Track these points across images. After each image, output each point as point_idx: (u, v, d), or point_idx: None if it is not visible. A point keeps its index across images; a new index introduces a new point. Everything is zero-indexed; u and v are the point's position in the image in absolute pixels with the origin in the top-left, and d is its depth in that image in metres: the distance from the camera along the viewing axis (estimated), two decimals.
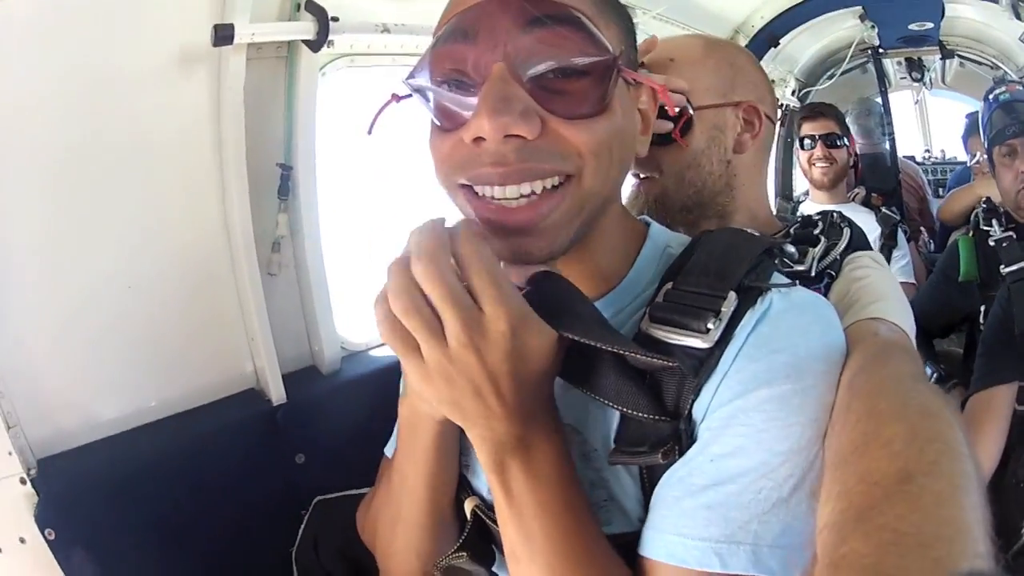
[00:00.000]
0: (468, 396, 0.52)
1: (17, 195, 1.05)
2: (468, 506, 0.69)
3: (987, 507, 0.44)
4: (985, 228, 1.69)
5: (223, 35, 1.13)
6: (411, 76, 0.60)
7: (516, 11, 0.54)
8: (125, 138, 1.14)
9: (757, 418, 0.53)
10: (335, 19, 1.24)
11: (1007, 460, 1.43)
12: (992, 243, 1.64)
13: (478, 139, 0.54)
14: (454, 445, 0.68)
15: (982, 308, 1.70)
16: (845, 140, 2.43)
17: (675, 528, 0.53)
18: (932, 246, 3.02)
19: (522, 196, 0.55)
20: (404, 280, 0.50)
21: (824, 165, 2.41)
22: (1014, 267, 1.56)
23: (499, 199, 0.56)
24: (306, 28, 1.24)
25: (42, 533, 1.02)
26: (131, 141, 1.15)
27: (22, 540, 1.02)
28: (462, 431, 0.62)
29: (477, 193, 0.57)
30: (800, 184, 3.28)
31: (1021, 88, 1.81)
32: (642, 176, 0.98)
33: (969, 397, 1.51)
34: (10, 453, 1.02)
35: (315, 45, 1.26)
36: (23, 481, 1.03)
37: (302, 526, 1.20)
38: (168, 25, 1.14)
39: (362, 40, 1.25)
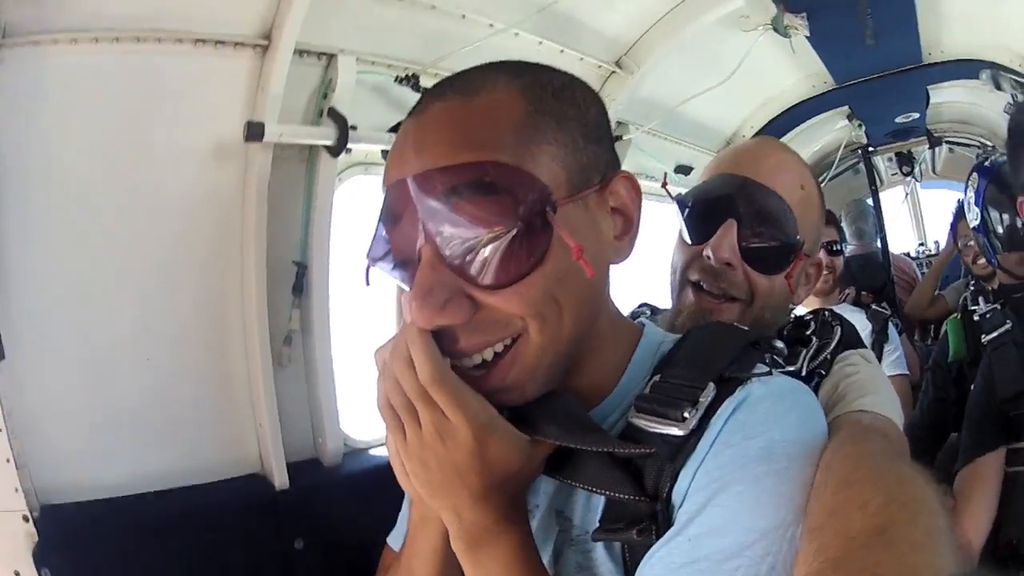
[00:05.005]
0: (438, 481, 0.57)
1: (49, 248, 1.10)
2: None
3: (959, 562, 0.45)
4: (972, 308, 1.67)
5: (254, 132, 1.21)
6: (369, 254, 0.62)
7: (429, 187, 0.55)
8: (154, 212, 1.20)
9: (731, 500, 0.54)
10: (353, 127, 1.33)
11: (1000, 523, 1.39)
12: (977, 318, 1.62)
13: None
14: None
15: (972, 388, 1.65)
16: (843, 247, 2.48)
17: None
18: (928, 340, 3.04)
19: (475, 367, 0.59)
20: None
21: (826, 273, 2.46)
22: (994, 334, 1.52)
23: (465, 367, 0.59)
24: (328, 134, 1.32)
25: (38, 571, 1.03)
26: (159, 216, 1.20)
27: (17, 574, 1.03)
28: None
29: None
30: None
31: None
32: (719, 295, 0.94)
33: (959, 471, 1.46)
34: (16, 490, 1.03)
35: (335, 151, 1.35)
36: (26, 519, 1.04)
37: None
38: (206, 115, 1.22)
39: (376, 149, 1.34)
